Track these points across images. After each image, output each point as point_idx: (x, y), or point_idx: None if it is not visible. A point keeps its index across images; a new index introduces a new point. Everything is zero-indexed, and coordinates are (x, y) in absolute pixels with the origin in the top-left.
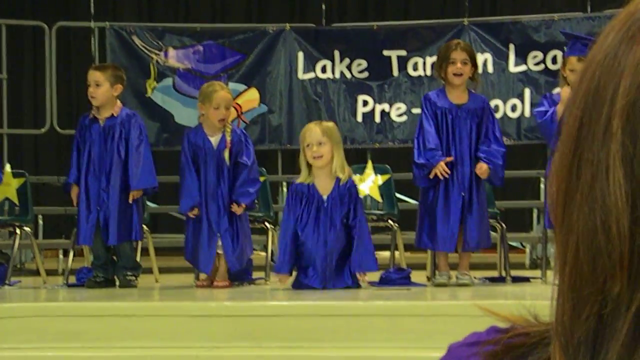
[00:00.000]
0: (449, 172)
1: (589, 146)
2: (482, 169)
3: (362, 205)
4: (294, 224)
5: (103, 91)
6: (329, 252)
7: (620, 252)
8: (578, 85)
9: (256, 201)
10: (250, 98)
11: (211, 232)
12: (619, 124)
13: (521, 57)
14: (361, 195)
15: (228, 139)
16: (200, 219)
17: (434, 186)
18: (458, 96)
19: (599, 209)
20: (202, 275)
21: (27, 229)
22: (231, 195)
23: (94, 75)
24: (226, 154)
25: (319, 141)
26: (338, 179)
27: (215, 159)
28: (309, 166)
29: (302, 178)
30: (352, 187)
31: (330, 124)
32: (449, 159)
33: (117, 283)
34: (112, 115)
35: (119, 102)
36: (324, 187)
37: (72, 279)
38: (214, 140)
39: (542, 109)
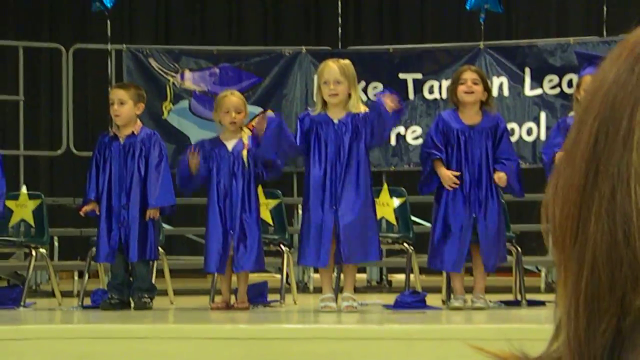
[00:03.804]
0: (457, 183)
1: (606, 159)
2: (499, 175)
3: None
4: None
5: (127, 109)
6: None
7: None
8: (589, 103)
9: (271, 224)
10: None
11: (225, 231)
12: (639, 136)
13: (537, 81)
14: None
15: (245, 142)
16: (214, 219)
17: (445, 206)
18: (471, 117)
19: (620, 220)
20: (218, 298)
21: (42, 250)
22: (248, 192)
23: (118, 94)
24: (244, 154)
25: (336, 80)
26: (352, 112)
27: (229, 161)
28: (324, 102)
29: (315, 112)
30: (367, 117)
31: (347, 61)
32: (456, 173)
33: (132, 305)
34: (133, 133)
35: (139, 121)
36: (336, 116)
37: (87, 301)
38: (229, 144)
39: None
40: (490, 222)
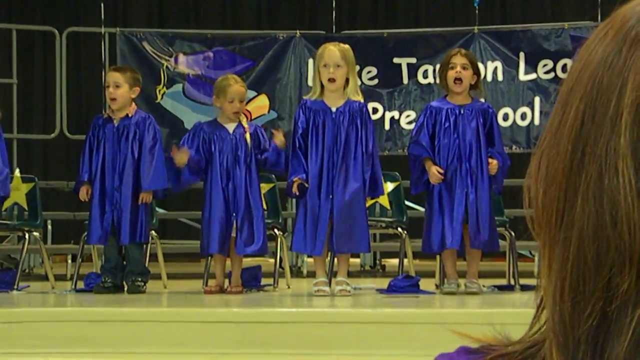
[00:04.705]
0: (442, 178)
1: (594, 141)
2: (492, 163)
3: (374, 134)
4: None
5: (122, 92)
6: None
7: (631, 247)
8: (575, 83)
9: (265, 208)
10: (260, 104)
11: (228, 213)
12: (628, 119)
13: (531, 66)
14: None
15: (246, 125)
16: (217, 201)
17: (438, 185)
18: (460, 100)
19: (608, 203)
20: (211, 282)
21: (35, 233)
22: (250, 175)
23: (114, 77)
24: (247, 137)
25: (336, 64)
26: (350, 100)
27: (231, 144)
28: (322, 86)
29: (313, 96)
30: (364, 108)
31: (347, 46)
32: (441, 170)
33: (126, 288)
34: (127, 115)
35: (134, 104)
36: (334, 104)
37: (81, 284)
38: (230, 127)
39: None
40: (481, 196)
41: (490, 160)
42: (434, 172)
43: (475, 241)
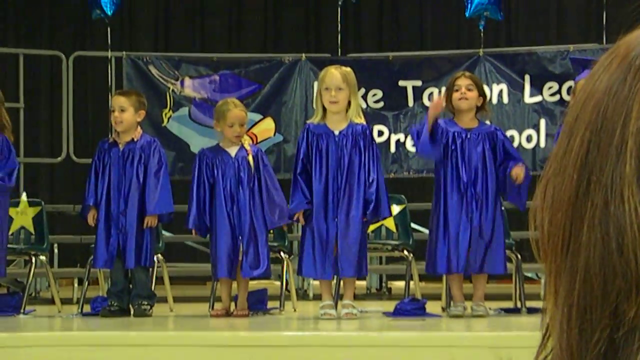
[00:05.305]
0: (442, 104)
1: (599, 169)
2: (518, 173)
3: (379, 158)
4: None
5: (128, 116)
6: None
7: (637, 274)
8: (580, 112)
9: (271, 231)
10: (266, 128)
11: (234, 236)
12: (633, 147)
13: (537, 88)
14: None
15: (248, 148)
16: (223, 225)
17: (443, 207)
18: (467, 123)
19: (614, 231)
20: (217, 305)
21: (42, 257)
22: (253, 198)
23: (119, 101)
24: (250, 159)
25: (338, 86)
26: (352, 122)
27: (234, 168)
28: (324, 109)
29: (315, 119)
30: (367, 130)
31: (348, 69)
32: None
33: (132, 312)
34: (132, 139)
35: (139, 128)
36: (337, 127)
37: (87, 308)
38: (232, 151)
39: None
40: (486, 221)
41: (515, 170)
42: (433, 103)
43: (476, 266)
